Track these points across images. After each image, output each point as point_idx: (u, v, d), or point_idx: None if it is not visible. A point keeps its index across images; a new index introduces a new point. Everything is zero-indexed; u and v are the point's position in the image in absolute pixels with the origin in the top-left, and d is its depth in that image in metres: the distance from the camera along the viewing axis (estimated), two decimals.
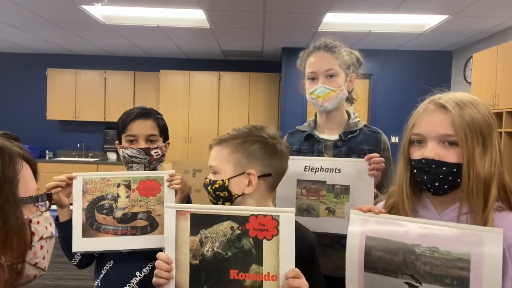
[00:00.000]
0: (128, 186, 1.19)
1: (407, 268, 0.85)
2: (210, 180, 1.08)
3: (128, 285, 1.30)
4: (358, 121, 1.52)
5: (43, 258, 0.68)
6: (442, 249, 0.82)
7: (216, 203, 1.07)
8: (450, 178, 0.90)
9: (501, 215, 0.87)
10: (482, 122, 0.89)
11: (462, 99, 0.92)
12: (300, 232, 1.08)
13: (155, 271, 0.93)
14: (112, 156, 6.56)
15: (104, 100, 6.42)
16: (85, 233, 1.17)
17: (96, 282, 1.35)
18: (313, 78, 1.47)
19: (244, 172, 1.06)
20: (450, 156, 0.90)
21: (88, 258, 1.32)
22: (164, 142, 1.41)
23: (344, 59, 1.46)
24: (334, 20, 4.33)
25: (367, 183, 1.30)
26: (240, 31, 4.78)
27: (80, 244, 1.17)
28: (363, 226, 0.92)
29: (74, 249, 1.17)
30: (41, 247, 0.66)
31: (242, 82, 6.32)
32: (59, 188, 1.18)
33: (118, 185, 1.19)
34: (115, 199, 1.18)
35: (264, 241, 0.89)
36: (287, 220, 0.88)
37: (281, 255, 0.88)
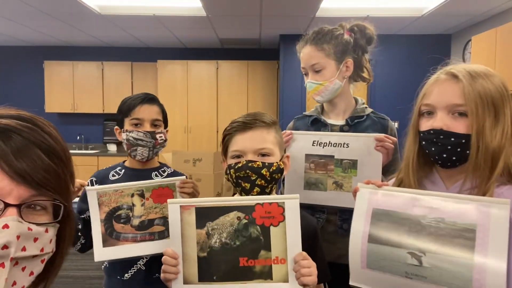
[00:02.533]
0: (141, 195, 1.22)
1: (411, 238, 0.85)
2: (265, 163, 1.05)
3: (135, 266, 1.34)
4: (365, 107, 1.52)
5: None
6: (448, 219, 0.82)
7: (265, 187, 1.05)
8: (459, 149, 0.88)
9: (511, 189, 0.86)
10: (494, 93, 0.87)
11: (475, 69, 0.90)
12: (302, 216, 1.10)
13: (163, 267, 0.94)
14: (112, 148, 6.57)
15: (102, 92, 6.40)
16: (106, 243, 1.20)
17: (105, 263, 1.39)
18: (305, 74, 1.49)
19: (283, 155, 1.12)
20: (459, 126, 0.88)
21: (91, 242, 1.35)
22: (164, 129, 1.45)
23: (334, 46, 1.42)
24: (332, 5, 4.29)
25: (375, 158, 1.31)
26: (237, 18, 4.74)
27: (102, 253, 1.20)
28: (370, 199, 0.93)
29: (96, 258, 1.20)
30: None
31: (240, 71, 6.28)
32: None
33: (132, 195, 1.22)
34: (131, 208, 1.21)
35: (271, 227, 0.91)
36: (293, 206, 0.91)
37: (288, 240, 0.90)
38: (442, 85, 0.91)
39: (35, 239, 0.57)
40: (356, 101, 1.54)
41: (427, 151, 0.94)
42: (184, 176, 1.43)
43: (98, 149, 6.64)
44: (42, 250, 0.58)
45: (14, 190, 0.55)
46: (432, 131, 0.90)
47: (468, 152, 0.87)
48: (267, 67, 6.29)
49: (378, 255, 0.90)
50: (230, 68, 6.30)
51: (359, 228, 0.94)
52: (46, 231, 0.59)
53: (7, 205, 0.54)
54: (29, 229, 0.56)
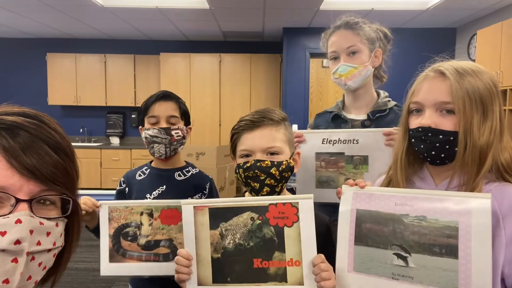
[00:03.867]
0: (150, 215, 1.21)
1: (396, 238, 0.85)
2: (273, 162, 1.03)
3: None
4: (388, 100, 1.49)
5: None
6: (430, 217, 0.81)
7: (275, 186, 1.04)
8: (447, 146, 0.88)
9: (499, 186, 0.86)
10: (483, 90, 0.87)
11: (463, 66, 0.90)
12: (314, 215, 1.09)
13: (176, 268, 0.94)
14: (115, 140, 6.58)
15: (105, 84, 6.39)
16: (112, 258, 1.21)
17: None
18: (335, 58, 1.45)
19: (293, 152, 1.09)
20: (447, 124, 0.88)
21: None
22: (185, 126, 1.44)
23: (367, 34, 1.42)
24: None
25: (385, 153, 1.30)
26: (240, 11, 4.71)
27: (108, 268, 1.22)
28: (354, 200, 0.93)
29: (102, 273, 1.22)
30: None
31: (243, 64, 6.26)
32: (84, 212, 1.22)
33: (141, 213, 1.21)
34: (139, 226, 1.22)
35: (285, 228, 0.90)
36: (307, 206, 0.89)
37: (303, 241, 0.89)
38: (430, 83, 0.92)
39: (48, 233, 0.58)
40: (378, 94, 1.51)
41: (416, 149, 0.94)
42: (208, 182, 1.44)
43: (101, 142, 6.65)
44: (54, 244, 0.60)
45: (25, 185, 0.56)
46: (420, 129, 0.90)
47: (457, 149, 0.88)
48: (270, 60, 6.26)
49: (365, 257, 0.90)
50: (233, 61, 6.27)
51: (345, 230, 0.93)
52: (57, 225, 0.60)
53: (18, 200, 0.55)
54: (41, 223, 0.57)
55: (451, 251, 0.78)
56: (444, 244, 0.79)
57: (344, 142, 1.34)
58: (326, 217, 1.12)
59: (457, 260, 0.78)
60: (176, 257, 0.93)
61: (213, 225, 0.92)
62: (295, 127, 5.50)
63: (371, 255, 0.89)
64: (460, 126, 0.86)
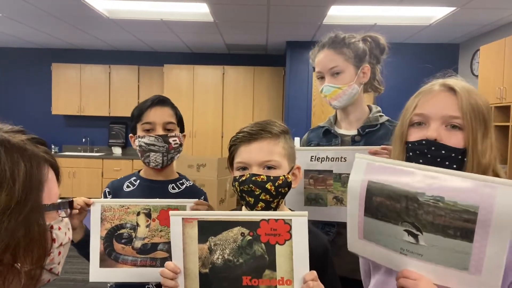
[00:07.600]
0: (148, 215, 1.13)
1: (408, 216, 0.81)
2: (270, 177, 0.99)
3: (147, 286, 1.26)
4: (380, 115, 1.47)
5: (58, 264, 0.68)
6: (448, 199, 0.76)
7: (271, 202, 1.00)
8: (447, 163, 0.87)
9: None
10: (484, 108, 0.88)
11: (465, 84, 0.92)
12: (312, 233, 1.06)
13: (162, 280, 0.90)
14: (117, 151, 6.58)
15: (109, 95, 6.43)
16: (103, 263, 1.11)
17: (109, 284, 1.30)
18: (321, 77, 1.45)
19: (293, 167, 1.05)
20: (452, 139, 0.87)
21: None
22: (181, 133, 1.36)
23: (352, 51, 1.40)
24: (339, 13, 4.28)
25: None
26: (244, 24, 4.75)
27: (98, 273, 1.12)
28: (367, 170, 0.88)
29: (91, 279, 1.12)
30: (59, 253, 0.67)
31: (247, 76, 6.29)
32: (76, 211, 1.13)
33: (138, 214, 1.13)
34: (135, 228, 1.12)
35: (277, 246, 0.86)
36: (300, 224, 0.85)
37: (295, 259, 0.85)
38: (437, 97, 0.91)
39: None
40: (370, 109, 1.49)
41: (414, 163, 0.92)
42: (202, 196, 1.36)
43: (103, 152, 6.65)
44: None
45: None
46: (424, 142, 0.89)
47: (455, 167, 0.86)
48: (273, 73, 6.29)
49: (374, 228, 0.86)
50: (236, 73, 6.30)
51: (354, 200, 0.89)
52: None
53: None
54: None
55: (466, 234, 0.74)
56: (459, 227, 0.75)
57: (332, 159, 1.33)
58: (325, 236, 1.08)
59: (471, 244, 0.74)
60: (162, 269, 0.89)
61: (202, 239, 0.88)
62: (297, 140, 5.49)
63: (380, 228, 0.85)
64: (469, 142, 0.86)
